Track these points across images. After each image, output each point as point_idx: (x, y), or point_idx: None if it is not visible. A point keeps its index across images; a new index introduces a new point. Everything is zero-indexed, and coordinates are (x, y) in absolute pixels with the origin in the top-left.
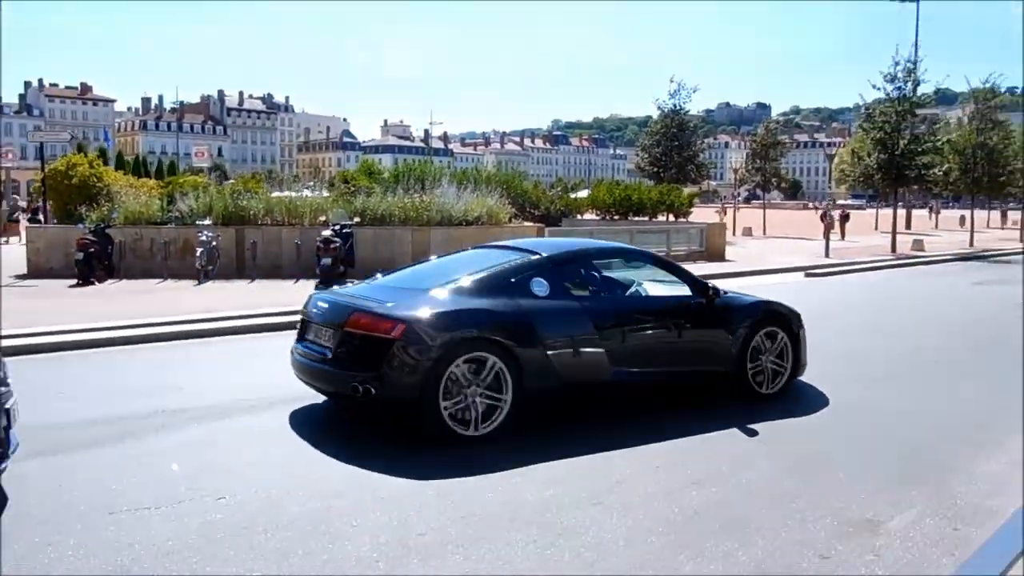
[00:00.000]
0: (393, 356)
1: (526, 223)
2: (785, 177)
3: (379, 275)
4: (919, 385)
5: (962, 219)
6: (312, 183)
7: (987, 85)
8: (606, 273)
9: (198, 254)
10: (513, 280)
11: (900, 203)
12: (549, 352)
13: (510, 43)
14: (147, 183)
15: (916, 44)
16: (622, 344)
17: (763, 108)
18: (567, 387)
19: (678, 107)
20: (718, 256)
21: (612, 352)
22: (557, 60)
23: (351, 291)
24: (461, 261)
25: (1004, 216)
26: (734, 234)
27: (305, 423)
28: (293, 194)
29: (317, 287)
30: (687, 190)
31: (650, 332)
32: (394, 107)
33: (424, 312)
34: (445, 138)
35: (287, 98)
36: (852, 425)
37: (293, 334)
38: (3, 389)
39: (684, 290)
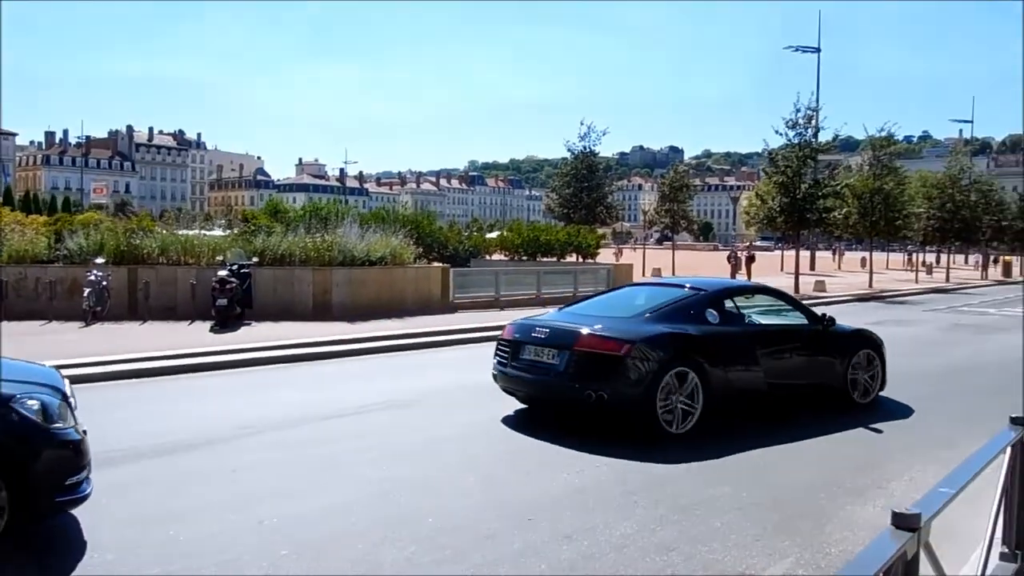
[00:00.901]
0: (621, 370)
1: (435, 263)
2: (693, 219)
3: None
4: (803, 427)
5: (863, 261)
6: (224, 221)
7: (883, 133)
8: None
9: (85, 294)
10: (692, 312)
11: (805, 245)
12: (726, 367)
13: (428, 83)
14: (36, 220)
15: (817, 93)
16: (772, 361)
17: (676, 152)
18: (738, 395)
19: (588, 149)
20: None
21: (766, 367)
22: (475, 101)
23: (554, 317)
24: (634, 295)
25: (910, 258)
26: (644, 275)
27: (146, 482)
28: (191, 232)
29: (212, 329)
30: (601, 231)
31: (789, 353)
32: (310, 146)
33: (643, 335)
34: (361, 177)
35: (199, 135)
36: (735, 470)
37: (173, 378)
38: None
39: (800, 319)
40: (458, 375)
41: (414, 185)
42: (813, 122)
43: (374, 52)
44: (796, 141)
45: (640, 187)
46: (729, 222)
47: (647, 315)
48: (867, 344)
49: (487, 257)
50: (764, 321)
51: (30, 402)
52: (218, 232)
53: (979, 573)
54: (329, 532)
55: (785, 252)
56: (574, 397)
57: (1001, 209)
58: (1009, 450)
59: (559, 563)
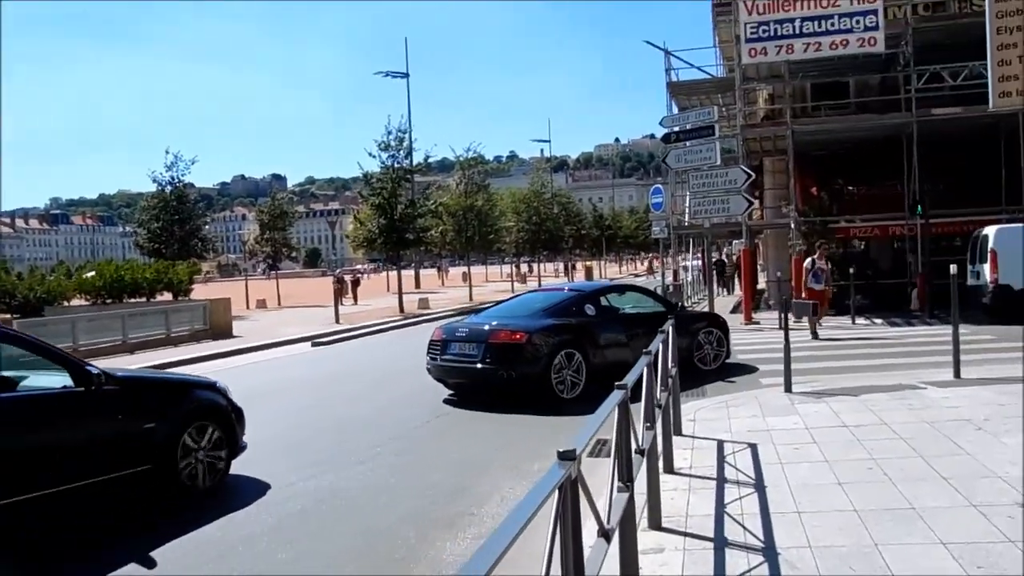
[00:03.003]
0: (523, 354)
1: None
2: (295, 247)
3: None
4: (404, 457)
5: (464, 275)
6: None
7: (471, 154)
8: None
9: None
10: (574, 308)
11: (409, 264)
12: (602, 347)
13: None
14: None
15: (409, 116)
16: (636, 340)
17: (279, 179)
18: (611, 367)
19: (176, 179)
20: (225, 333)
21: (632, 345)
22: (54, 131)
23: (472, 320)
24: (533, 299)
25: (516, 269)
26: (248, 307)
27: None
28: None
29: None
30: (204, 265)
31: (649, 333)
32: None
33: (536, 327)
34: None
35: None
36: (323, 513)
37: None
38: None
39: (658, 307)
40: None
41: None
42: (405, 144)
43: None
44: (390, 163)
45: (244, 217)
46: (339, 246)
47: (541, 312)
48: (713, 323)
49: (65, 304)
50: (630, 311)
51: (222, 385)
52: None
53: None
54: None
55: (391, 273)
56: (490, 377)
57: (580, 219)
58: (557, 493)
59: None
